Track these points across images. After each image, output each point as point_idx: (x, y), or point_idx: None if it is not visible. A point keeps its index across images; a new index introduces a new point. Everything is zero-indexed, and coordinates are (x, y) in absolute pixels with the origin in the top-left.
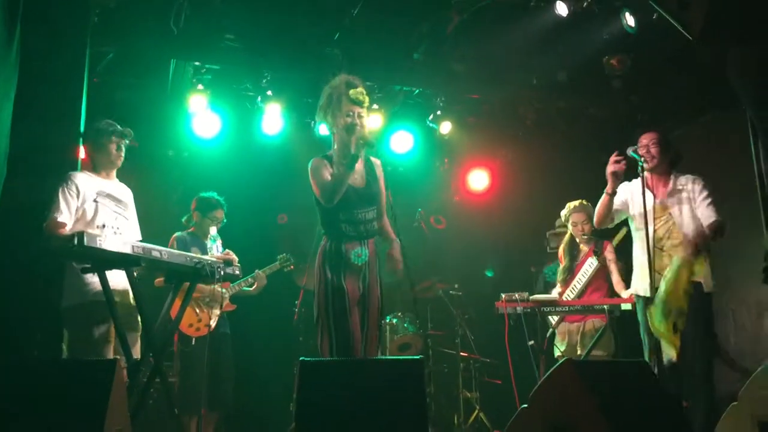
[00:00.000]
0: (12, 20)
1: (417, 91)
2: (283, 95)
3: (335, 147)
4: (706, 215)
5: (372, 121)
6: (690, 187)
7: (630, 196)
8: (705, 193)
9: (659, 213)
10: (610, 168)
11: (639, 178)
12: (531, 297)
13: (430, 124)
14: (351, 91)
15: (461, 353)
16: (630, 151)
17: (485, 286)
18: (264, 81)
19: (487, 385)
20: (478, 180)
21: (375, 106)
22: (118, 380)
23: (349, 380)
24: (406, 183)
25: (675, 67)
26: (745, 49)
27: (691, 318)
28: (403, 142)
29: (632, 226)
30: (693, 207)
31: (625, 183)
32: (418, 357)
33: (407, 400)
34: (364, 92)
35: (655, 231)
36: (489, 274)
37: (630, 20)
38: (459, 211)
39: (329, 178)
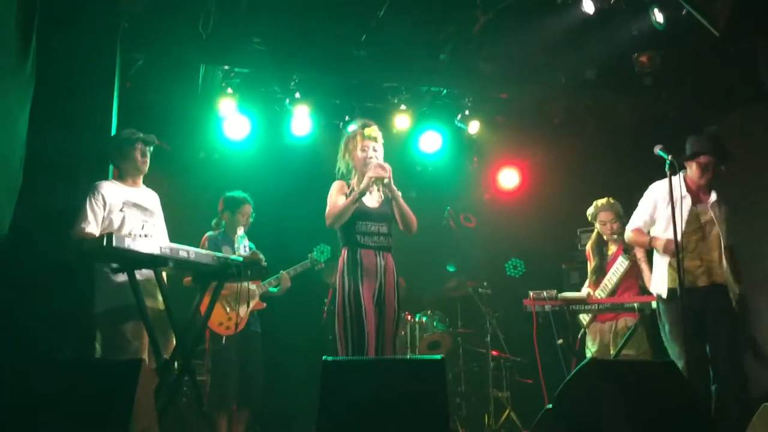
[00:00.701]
0: (27, 33)
1: (445, 91)
2: (311, 97)
3: (353, 181)
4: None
5: (400, 121)
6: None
7: (659, 196)
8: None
9: (693, 218)
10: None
11: (673, 179)
12: (560, 295)
13: (459, 124)
14: (366, 130)
15: (492, 352)
16: (658, 150)
17: (515, 284)
18: (292, 83)
19: (518, 385)
20: (509, 178)
21: (402, 107)
22: (144, 380)
23: (371, 380)
24: (435, 182)
25: (705, 62)
26: None
27: (719, 320)
28: (431, 141)
29: (657, 225)
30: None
31: (656, 183)
32: (439, 357)
33: (429, 399)
34: (377, 129)
35: (683, 234)
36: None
37: (659, 16)
38: (489, 209)
39: (340, 203)
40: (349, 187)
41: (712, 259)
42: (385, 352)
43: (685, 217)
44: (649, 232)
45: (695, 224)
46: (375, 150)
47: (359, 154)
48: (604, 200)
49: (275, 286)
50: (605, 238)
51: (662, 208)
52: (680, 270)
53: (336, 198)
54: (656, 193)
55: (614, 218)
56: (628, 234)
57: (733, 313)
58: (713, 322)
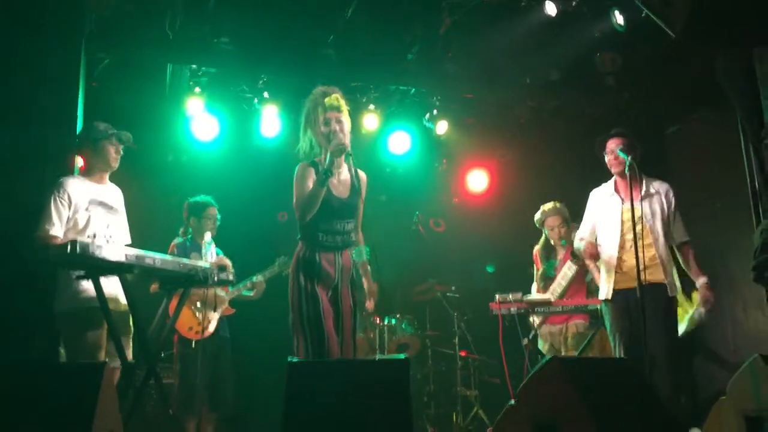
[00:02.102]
0: None
1: (413, 90)
2: (279, 97)
3: (320, 159)
4: (680, 233)
5: (369, 121)
6: (663, 192)
7: (596, 203)
8: (675, 208)
9: (628, 216)
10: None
11: (607, 183)
12: (524, 298)
13: (427, 124)
14: (326, 99)
15: (460, 353)
16: (618, 150)
17: (484, 287)
18: (260, 83)
19: (486, 384)
20: (477, 181)
21: (371, 107)
22: (107, 382)
23: (336, 380)
24: (405, 185)
25: (668, 64)
26: (729, 51)
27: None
28: (400, 142)
29: (598, 229)
30: (665, 215)
31: (594, 190)
32: (403, 356)
33: (393, 398)
34: (340, 98)
35: (623, 234)
36: (489, 269)
37: (619, 19)
38: (458, 213)
39: (309, 188)
40: (316, 169)
41: (649, 256)
42: (345, 347)
43: (616, 217)
44: (596, 239)
45: (629, 223)
46: (339, 122)
47: (322, 128)
48: (550, 205)
49: (249, 289)
50: (552, 243)
51: (596, 215)
52: (639, 272)
53: (306, 183)
54: (591, 201)
55: (561, 223)
56: (576, 243)
57: (669, 312)
58: (651, 322)
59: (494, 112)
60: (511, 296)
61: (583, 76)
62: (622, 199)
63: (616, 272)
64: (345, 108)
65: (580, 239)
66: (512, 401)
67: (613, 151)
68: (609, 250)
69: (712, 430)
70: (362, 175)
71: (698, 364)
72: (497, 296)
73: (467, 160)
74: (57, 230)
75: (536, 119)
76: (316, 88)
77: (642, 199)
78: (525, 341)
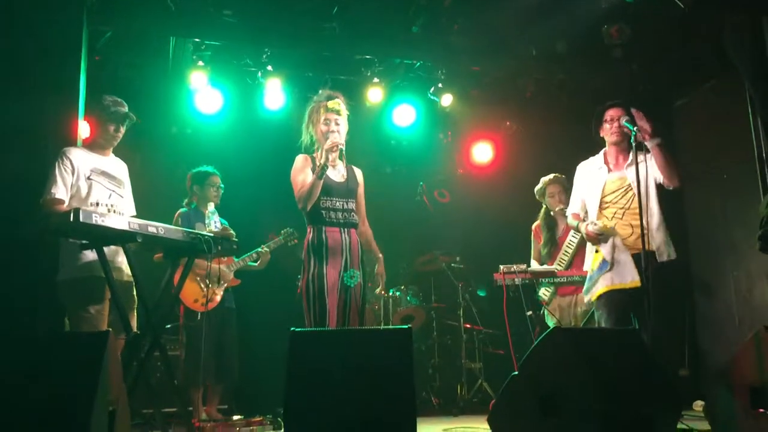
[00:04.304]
0: None
1: (418, 64)
2: (283, 70)
3: (317, 154)
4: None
5: (373, 94)
6: (647, 160)
7: (585, 176)
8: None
9: (617, 186)
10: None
11: (595, 156)
12: (529, 269)
13: (432, 97)
14: (329, 102)
15: (464, 325)
16: (624, 121)
17: (488, 258)
18: (264, 56)
19: (491, 356)
20: (482, 152)
21: (376, 80)
22: (111, 352)
23: (338, 350)
24: (409, 157)
25: (675, 35)
26: (738, 19)
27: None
28: (405, 115)
29: (588, 203)
30: (652, 174)
31: (581, 164)
32: (406, 327)
33: (395, 368)
34: (341, 103)
35: (610, 203)
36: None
37: None
38: (463, 185)
39: (308, 179)
40: (313, 161)
41: (638, 224)
42: (352, 320)
43: (603, 187)
44: (587, 213)
45: (618, 192)
46: (337, 124)
47: (322, 127)
48: (551, 176)
49: (255, 260)
50: (553, 214)
51: (584, 188)
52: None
53: (302, 176)
54: (579, 174)
55: (561, 190)
56: (569, 219)
57: (667, 283)
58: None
59: (500, 84)
60: (515, 267)
61: (590, 48)
62: (610, 169)
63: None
64: (344, 113)
65: (572, 215)
66: (515, 372)
67: (615, 119)
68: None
69: (748, 354)
70: (358, 170)
71: (702, 337)
72: (501, 267)
73: (472, 132)
74: (62, 193)
75: (542, 91)
76: (322, 91)
77: (627, 168)
78: (529, 312)
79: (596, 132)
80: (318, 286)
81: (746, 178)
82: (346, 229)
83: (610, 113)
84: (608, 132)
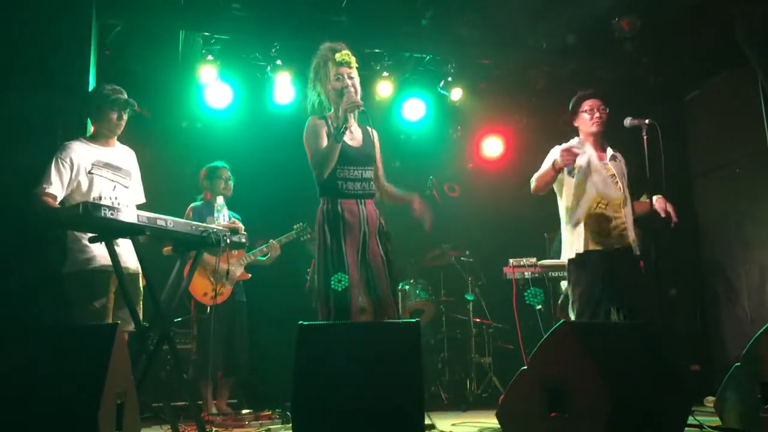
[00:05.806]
0: None
1: (427, 57)
2: (292, 64)
3: (330, 114)
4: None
5: (383, 88)
6: (620, 158)
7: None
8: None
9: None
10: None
11: (575, 140)
12: (539, 262)
13: (442, 91)
14: (336, 55)
15: (474, 319)
16: (628, 120)
17: (498, 252)
18: (273, 50)
19: (500, 350)
20: (492, 147)
21: (385, 74)
22: (119, 344)
23: (346, 343)
24: (419, 151)
25: (687, 27)
26: (749, 9)
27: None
28: (415, 109)
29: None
30: (626, 178)
31: (556, 147)
32: (414, 320)
33: (403, 361)
34: (350, 53)
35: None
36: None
37: None
38: (473, 179)
39: (324, 143)
40: (327, 123)
41: (621, 216)
42: (382, 306)
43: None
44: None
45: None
46: (351, 77)
47: (334, 84)
48: None
49: (264, 255)
50: None
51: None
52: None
53: (317, 142)
54: (552, 156)
55: None
56: (531, 183)
57: (645, 280)
58: (626, 288)
59: (510, 77)
60: (525, 260)
61: (601, 40)
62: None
63: (586, 231)
64: (355, 64)
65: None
66: (524, 367)
67: (596, 109)
68: (581, 208)
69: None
70: (372, 130)
71: (713, 333)
72: (511, 261)
73: (482, 126)
74: (55, 189)
75: (552, 84)
76: (323, 44)
77: (609, 160)
78: (539, 306)
79: (570, 121)
80: (338, 263)
81: (759, 171)
82: (363, 201)
83: (589, 103)
84: (587, 122)
